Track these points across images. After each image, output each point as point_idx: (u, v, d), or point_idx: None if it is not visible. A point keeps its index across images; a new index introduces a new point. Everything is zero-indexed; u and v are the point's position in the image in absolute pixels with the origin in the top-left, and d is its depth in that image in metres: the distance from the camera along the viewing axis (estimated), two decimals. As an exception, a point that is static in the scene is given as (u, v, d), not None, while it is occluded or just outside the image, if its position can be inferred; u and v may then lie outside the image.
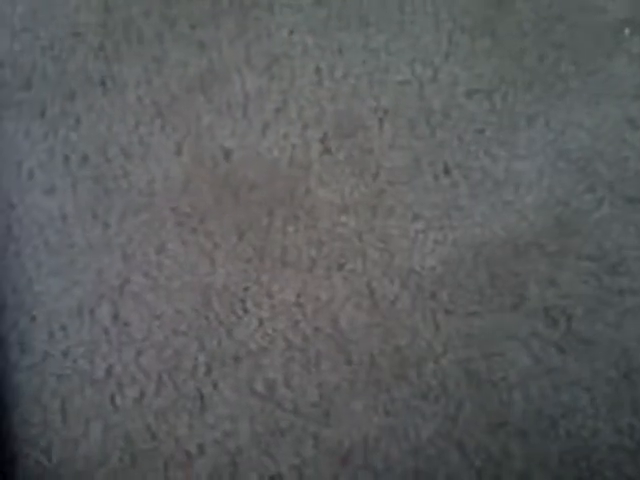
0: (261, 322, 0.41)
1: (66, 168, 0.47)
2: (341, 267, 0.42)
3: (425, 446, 0.38)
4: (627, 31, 0.47)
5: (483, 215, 0.43)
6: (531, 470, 0.37)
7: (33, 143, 0.48)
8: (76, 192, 0.46)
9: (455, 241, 0.42)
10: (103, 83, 0.49)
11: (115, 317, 0.42)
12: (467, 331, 0.40)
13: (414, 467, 0.37)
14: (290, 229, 0.44)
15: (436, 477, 0.37)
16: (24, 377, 0.42)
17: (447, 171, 0.44)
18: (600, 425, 0.37)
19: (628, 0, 0.47)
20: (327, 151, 0.46)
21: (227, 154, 0.46)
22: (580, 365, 0.38)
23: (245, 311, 0.41)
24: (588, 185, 0.43)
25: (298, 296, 0.41)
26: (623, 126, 0.44)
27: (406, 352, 0.38)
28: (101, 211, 0.45)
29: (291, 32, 0.49)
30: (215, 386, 0.39)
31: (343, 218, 0.44)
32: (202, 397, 0.39)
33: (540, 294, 0.40)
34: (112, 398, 0.41)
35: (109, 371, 0.41)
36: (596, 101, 0.45)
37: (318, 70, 0.48)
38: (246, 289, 0.42)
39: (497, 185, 0.43)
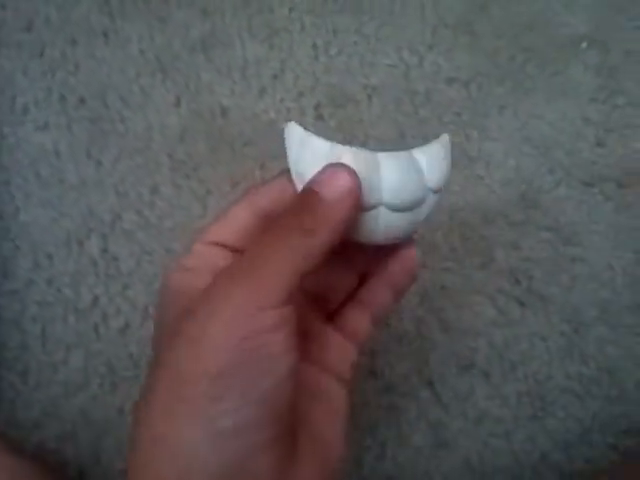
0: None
1: (62, 107, 0.48)
2: (327, 221, 0.45)
3: (398, 383, 0.40)
4: (584, 44, 0.53)
5: (458, 186, 0.47)
6: (492, 407, 0.40)
7: (30, 81, 0.48)
8: (71, 131, 0.47)
9: (432, 206, 0.46)
10: (105, 35, 0.51)
11: (104, 251, 0.43)
12: (441, 284, 0.43)
13: (388, 402, 0.40)
14: (281, 183, 0.46)
15: (408, 411, 0.40)
16: (4, 301, 0.41)
17: (427, 145, 0.48)
18: (553, 371, 0.41)
19: (587, 18, 0.54)
20: (320, 117, 0.49)
21: (224, 111, 0.49)
22: (538, 319, 0.43)
23: (235, 253, 0.43)
24: (548, 168, 0.48)
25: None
26: (579, 123, 0.50)
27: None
28: (95, 151, 0.46)
29: (291, 10, 0.53)
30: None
31: (331, 177, 0.47)
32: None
33: (505, 257, 0.45)
34: (96, 327, 0.41)
35: (94, 302, 0.42)
36: (557, 100, 0.51)
37: (315, 46, 0.52)
38: (237, 233, 0.44)
39: (471, 161, 0.48)
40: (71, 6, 0.52)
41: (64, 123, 0.47)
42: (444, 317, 0.42)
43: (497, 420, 0.40)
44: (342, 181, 0.23)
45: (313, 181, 0.24)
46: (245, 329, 0.21)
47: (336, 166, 0.23)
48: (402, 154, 0.25)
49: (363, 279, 0.28)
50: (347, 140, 0.48)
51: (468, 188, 0.47)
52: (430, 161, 0.25)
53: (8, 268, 0.42)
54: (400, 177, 0.24)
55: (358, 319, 0.28)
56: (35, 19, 0.51)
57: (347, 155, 0.24)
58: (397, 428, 0.39)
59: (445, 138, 0.26)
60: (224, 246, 0.26)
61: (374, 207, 0.24)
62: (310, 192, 0.23)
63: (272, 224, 0.23)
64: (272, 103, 0.49)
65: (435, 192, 0.25)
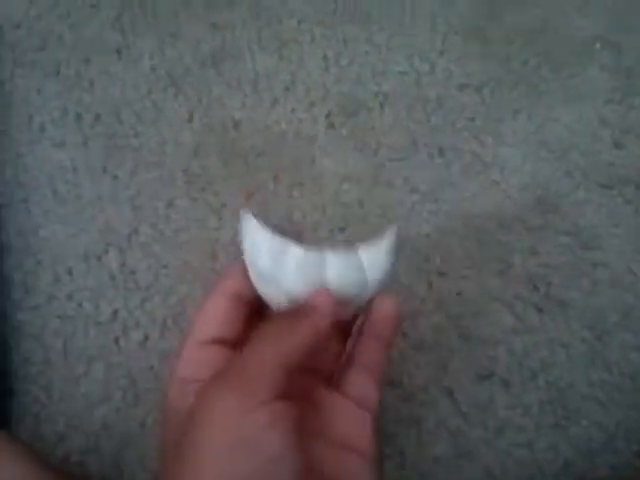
0: (266, 275, 0.43)
1: (78, 125, 0.48)
2: (343, 230, 0.45)
3: (417, 392, 0.40)
4: (598, 45, 0.53)
5: (473, 192, 0.47)
6: (513, 416, 0.40)
7: (46, 100, 0.49)
8: (87, 147, 0.48)
9: (448, 213, 0.46)
10: (118, 51, 0.52)
11: (122, 265, 0.44)
12: (457, 291, 0.43)
13: (407, 411, 0.40)
14: (295, 194, 0.46)
15: (427, 420, 0.39)
16: (27, 317, 0.42)
17: (441, 152, 0.48)
18: (575, 379, 0.41)
19: (600, 20, 0.54)
20: (331, 126, 0.49)
21: (236, 124, 0.49)
22: (558, 325, 0.42)
23: (251, 264, 0.43)
24: (565, 171, 0.48)
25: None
26: (596, 124, 0.50)
27: (402, 307, 0.41)
28: (111, 166, 0.47)
29: (300, 21, 0.53)
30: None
31: (345, 186, 0.47)
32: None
33: (523, 263, 0.44)
34: (116, 340, 0.41)
35: (114, 315, 0.42)
36: (572, 102, 0.51)
37: (325, 57, 0.52)
38: (252, 244, 0.44)
39: (485, 167, 0.48)
40: (84, 24, 0.53)
41: (80, 140, 0.48)
42: (462, 325, 0.42)
43: (519, 429, 0.39)
44: (326, 305, 0.26)
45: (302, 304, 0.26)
46: (239, 430, 0.22)
47: (323, 292, 0.26)
48: (348, 255, 0.27)
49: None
50: (359, 148, 0.48)
51: (483, 194, 0.47)
52: (372, 259, 0.27)
53: (29, 283, 0.43)
54: (340, 276, 0.26)
55: (362, 383, 0.28)
56: (49, 38, 0.52)
57: (293, 253, 0.26)
58: (417, 437, 0.39)
59: (391, 235, 0.28)
60: (219, 342, 0.27)
61: None
62: (299, 309, 0.26)
63: (258, 331, 0.26)
64: (284, 114, 0.50)
65: (380, 284, 0.28)
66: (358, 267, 0.27)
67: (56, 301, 0.42)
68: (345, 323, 0.30)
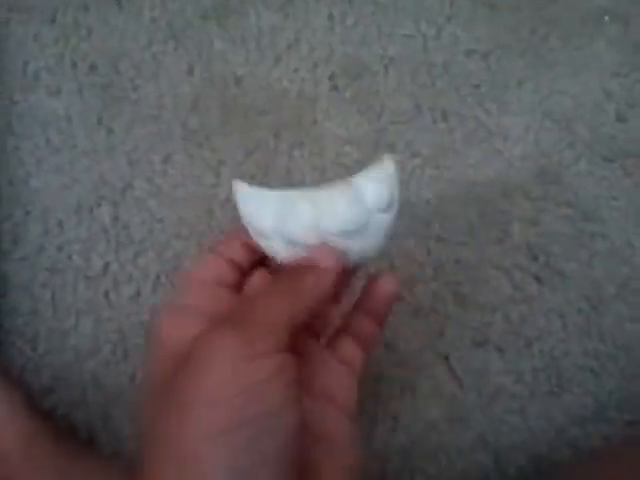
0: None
1: (74, 74, 0.47)
2: (342, 193, 0.44)
3: (413, 357, 0.40)
4: (607, 18, 0.52)
5: (475, 159, 0.46)
6: (507, 383, 0.40)
7: (42, 47, 0.47)
8: (82, 97, 0.46)
9: (449, 179, 0.45)
10: (118, 1, 0.50)
11: (115, 218, 0.43)
12: (456, 258, 0.43)
13: (402, 376, 0.39)
14: (296, 154, 0.45)
15: (421, 385, 0.39)
16: (15, 267, 0.41)
17: (445, 117, 0.47)
18: (570, 348, 0.41)
19: (610, -9, 0.53)
20: (335, 88, 0.48)
21: (238, 80, 0.48)
22: (555, 295, 0.42)
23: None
24: (569, 143, 0.47)
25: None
26: (601, 97, 0.49)
27: (400, 272, 0.40)
28: (107, 118, 0.46)
29: (306, -21, 0.52)
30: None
31: (347, 148, 0.46)
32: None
33: (523, 232, 0.44)
34: (106, 294, 0.41)
35: (105, 268, 0.41)
36: (579, 73, 0.50)
37: (330, 16, 0.51)
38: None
39: (489, 135, 0.47)
40: (83, -28, 0.51)
41: (75, 89, 0.46)
42: (459, 291, 0.42)
43: (512, 396, 0.39)
44: (330, 258, 0.26)
45: (306, 258, 0.26)
46: (240, 381, 0.21)
47: (326, 247, 0.26)
48: (337, 184, 0.26)
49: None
50: (361, 111, 0.47)
51: (486, 162, 0.46)
52: (370, 184, 0.26)
53: (18, 234, 0.42)
54: (337, 208, 0.25)
55: (350, 348, 0.29)
56: (46, -16, 0.50)
57: (289, 204, 0.26)
58: (411, 402, 0.39)
59: (389, 165, 0.27)
60: (218, 282, 0.27)
61: (321, 239, 0.26)
62: (304, 263, 0.26)
63: (265, 285, 0.26)
64: (286, 73, 0.48)
65: (381, 212, 0.26)
66: (357, 199, 0.26)
67: (45, 253, 0.41)
68: (342, 277, 0.29)
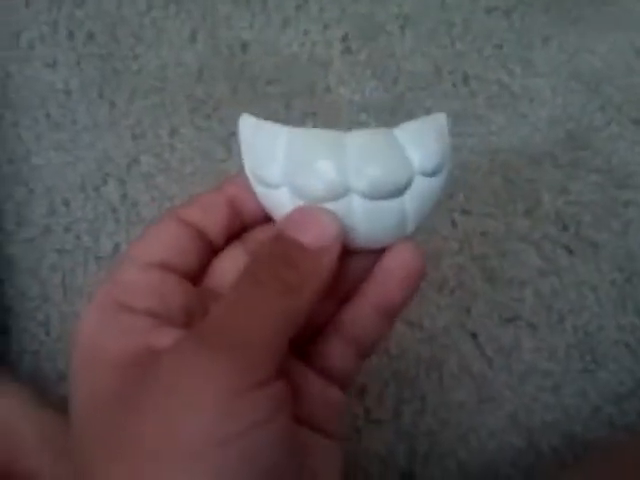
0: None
1: (70, 43, 0.44)
2: (359, 164, 0.42)
3: (439, 335, 0.38)
4: (638, -31, 0.49)
5: (499, 125, 0.43)
6: (539, 360, 0.38)
7: (35, 14, 0.44)
8: (81, 68, 0.43)
9: (472, 147, 0.43)
10: (113, -37, 0.47)
11: (123, 196, 0.40)
12: (482, 230, 0.41)
13: (429, 354, 0.38)
14: (309, 123, 0.43)
15: (449, 364, 0.38)
16: (20, 250, 0.39)
17: (466, 81, 0.45)
18: (604, 322, 0.39)
19: (641, -61, 0.49)
20: (348, 51, 0.45)
21: (244, 46, 0.45)
22: (587, 267, 0.40)
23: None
24: (598, 105, 0.44)
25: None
26: (631, 55, 0.46)
27: (424, 246, 0.38)
28: (108, 91, 0.43)
29: None
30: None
31: (363, 116, 0.43)
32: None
33: (552, 201, 0.41)
34: (117, 277, 0.39)
35: (116, 249, 0.39)
36: (607, 31, 0.47)
37: (341, -27, 0.47)
38: (263, 177, 0.41)
39: (513, 98, 0.44)
40: None
41: (73, 60, 0.43)
42: (486, 266, 0.40)
43: (545, 374, 0.37)
44: (327, 227, 0.19)
45: (290, 227, 0.19)
46: (229, 428, 0.15)
47: (314, 210, 0.19)
48: (377, 130, 0.21)
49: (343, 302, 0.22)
50: (377, 75, 0.45)
51: (511, 128, 0.43)
52: (414, 137, 0.20)
53: (22, 215, 0.39)
54: (371, 156, 0.20)
55: (339, 355, 0.21)
56: (36, -53, 0.47)
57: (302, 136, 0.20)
58: (438, 382, 0.37)
59: (439, 117, 0.22)
60: (167, 267, 0.20)
61: (342, 196, 0.20)
62: (290, 242, 0.19)
63: (247, 279, 0.18)
64: (295, 36, 0.45)
65: (427, 175, 0.21)
66: (395, 145, 0.20)
67: (52, 234, 0.39)
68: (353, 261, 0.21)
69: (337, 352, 0.21)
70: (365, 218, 0.20)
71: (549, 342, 0.38)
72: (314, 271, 0.18)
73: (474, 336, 0.38)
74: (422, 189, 0.21)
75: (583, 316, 0.39)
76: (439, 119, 0.21)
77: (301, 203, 0.20)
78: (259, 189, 0.21)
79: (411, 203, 0.20)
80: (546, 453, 0.36)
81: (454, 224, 0.41)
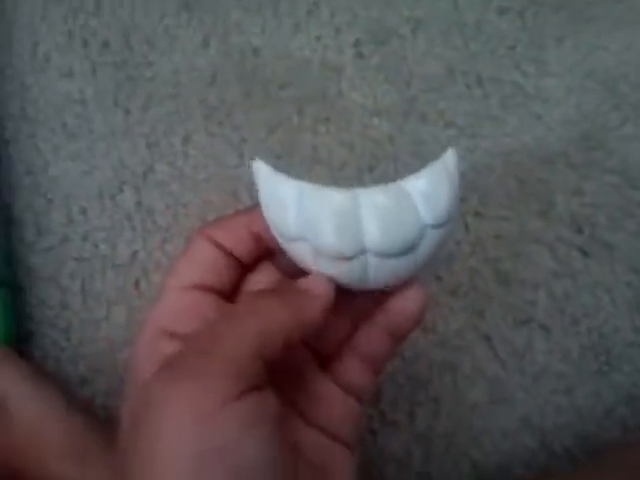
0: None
1: (85, 52, 0.45)
2: (372, 169, 0.42)
3: (453, 338, 0.38)
4: (652, -36, 0.48)
5: (513, 126, 0.43)
6: (553, 362, 0.38)
7: (50, 26, 0.45)
8: (96, 78, 0.44)
9: (486, 149, 0.43)
10: (126, -29, 0.47)
11: (139, 204, 0.41)
12: (496, 233, 0.41)
13: (442, 357, 0.38)
14: (321, 129, 0.43)
15: (463, 366, 0.38)
16: (40, 259, 0.40)
17: (479, 82, 0.44)
18: (619, 324, 0.39)
19: None
20: (360, 55, 0.45)
21: (256, 50, 0.45)
22: (602, 269, 0.40)
23: (275, 204, 0.40)
24: (613, 104, 0.44)
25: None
26: (646, 52, 0.45)
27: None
28: (122, 98, 0.44)
29: (324, -64, 0.48)
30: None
31: (375, 121, 0.43)
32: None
33: (566, 202, 0.41)
34: (136, 283, 0.39)
35: (133, 257, 0.40)
36: (621, 28, 0.46)
37: (351, -24, 0.47)
38: (277, 182, 0.41)
39: (527, 99, 0.44)
40: (88, -59, 0.48)
41: (88, 69, 0.44)
42: (500, 268, 0.40)
43: (558, 375, 0.38)
44: (321, 285, 0.22)
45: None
46: (197, 443, 0.16)
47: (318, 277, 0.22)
48: (388, 187, 0.22)
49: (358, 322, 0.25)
50: (389, 79, 0.45)
51: (525, 128, 0.43)
52: (426, 191, 0.21)
53: (41, 225, 0.40)
54: (384, 218, 0.21)
55: (357, 371, 0.24)
56: (51, -43, 0.47)
57: (325, 201, 0.21)
58: (452, 384, 0.37)
59: (449, 156, 0.22)
60: (204, 287, 0.22)
61: (357, 256, 0.21)
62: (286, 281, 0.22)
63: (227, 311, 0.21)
64: (307, 41, 0.46)
65: (436, 227, 0.22)
66: (407, 204, 0.21)
67: (71, 242, 0.40)
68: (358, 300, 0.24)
69: (355, 367, 0.24)
70: (379, 270, 0.22)
71: (562, 344, 0.38)
72: (297, 309, 0.20)
73: (488, 339, 0.38)
74: (432, 239, 0.22)
75: (598, 318, 0.39)
76: (448, 161, 0.22)
77: (320, 257, 0.21)
78: (280, 240, 0.23)
79: (422, 252, 0.22)
80: (559, 454, 0.36)
81: (467, 227, 0.41)
